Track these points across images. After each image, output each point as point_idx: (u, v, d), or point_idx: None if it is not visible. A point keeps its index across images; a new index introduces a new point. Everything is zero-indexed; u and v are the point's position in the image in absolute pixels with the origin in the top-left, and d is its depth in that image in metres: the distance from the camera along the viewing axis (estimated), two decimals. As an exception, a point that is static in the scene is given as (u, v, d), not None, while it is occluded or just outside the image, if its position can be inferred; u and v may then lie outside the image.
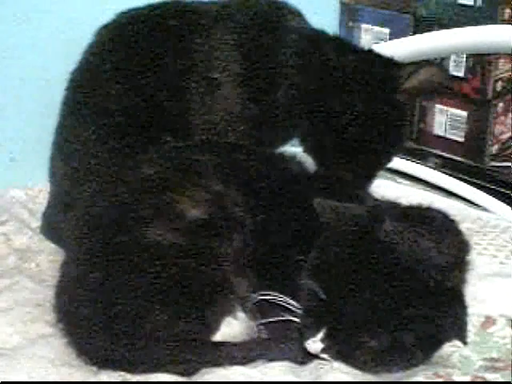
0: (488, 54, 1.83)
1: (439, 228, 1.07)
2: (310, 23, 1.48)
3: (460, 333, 0.98)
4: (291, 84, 1.40)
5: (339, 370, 1.00)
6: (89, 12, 1.56)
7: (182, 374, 1.05)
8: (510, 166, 1.88)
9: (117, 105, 1.38)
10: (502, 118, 1.90)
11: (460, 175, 1.86)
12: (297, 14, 1.47)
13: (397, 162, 1.63)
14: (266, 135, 1.42)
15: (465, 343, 0.99)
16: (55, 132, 1.46)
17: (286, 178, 1.25)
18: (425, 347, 1.00)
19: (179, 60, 1.39)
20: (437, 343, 1.01)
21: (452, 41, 1.60)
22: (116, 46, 1.41)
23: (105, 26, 1.45)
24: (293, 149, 1.47)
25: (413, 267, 0.99)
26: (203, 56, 1.39)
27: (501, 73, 1.88)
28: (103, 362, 1.07)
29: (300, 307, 1.05)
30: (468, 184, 1.78)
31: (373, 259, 0.99)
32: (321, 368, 1.01)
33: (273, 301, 1.08)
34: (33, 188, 1.65)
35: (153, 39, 1.40)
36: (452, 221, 1.13)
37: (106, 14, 1.44)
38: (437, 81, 1.40)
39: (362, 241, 1.01)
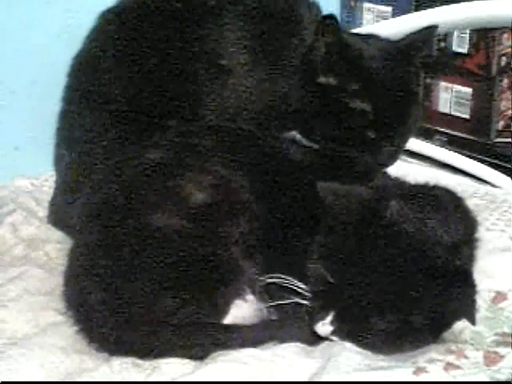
0: (492, 29, 1.81)
1: (446, 206, 1.07)
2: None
3: (469, 312, 0.98)
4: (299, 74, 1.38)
5: (351, 349, 1.00)
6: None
7: (193, 358, 1.05)
8: (515, 142, 1.87)
9: (121, 91, 1.37)
10: (507, 93, 1.88)
11: (466, 152, 1.85)
12: (310, 3, 1.45)
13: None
14: (275, 121, 1.41)
15: (473, 323, 0.98)
16: (58, 119, 1.46)
17: (292, 161, 1.24)
18: (434, 327, 1.00)
19: (186, 45, 1.37)
20: (446, 323, 1.01)
21: (454, 17, 1.59)
22: (119, 31, 1.40)
23: (108, 11, 1.43)
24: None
25: (420, 247, 0.98)
26: (213, 43, 1.37)
27: (505, 49, 1.87)
28: (114, 348, 1.08)
29: (308, 290, 1.05)
30: (474, 160, 1.77)
31: (379, 240, 0.99)
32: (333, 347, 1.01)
33: (282, 283, 1.08)
34: (39, 176, 1.65)
35: (157, 23, 1.38)
36: (459, 198, 1.12)
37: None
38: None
39: (368, 222, 1.00)
